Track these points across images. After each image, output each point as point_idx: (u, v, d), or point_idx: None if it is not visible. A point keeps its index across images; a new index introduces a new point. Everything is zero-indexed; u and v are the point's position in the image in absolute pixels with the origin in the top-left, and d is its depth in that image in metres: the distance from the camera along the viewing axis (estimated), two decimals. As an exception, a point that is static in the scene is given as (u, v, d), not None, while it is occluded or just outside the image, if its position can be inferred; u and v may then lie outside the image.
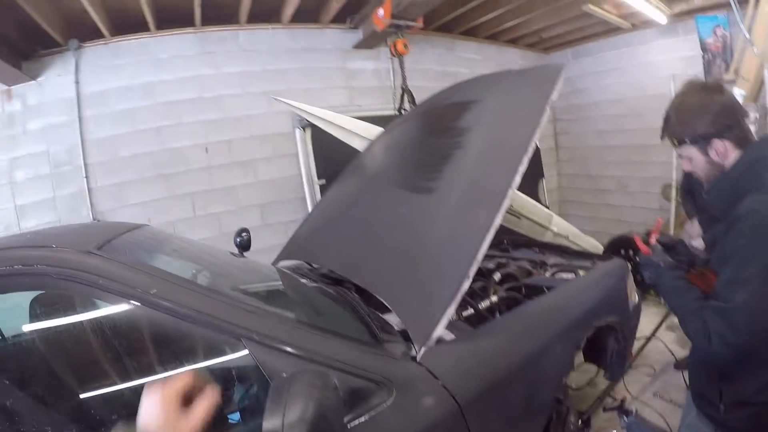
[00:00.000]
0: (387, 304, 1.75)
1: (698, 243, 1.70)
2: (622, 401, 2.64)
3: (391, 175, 2.36)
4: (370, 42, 4.94)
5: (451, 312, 1.53)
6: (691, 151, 1.36)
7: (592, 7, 5.18)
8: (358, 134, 3.56)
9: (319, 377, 1.02)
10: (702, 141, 1.33)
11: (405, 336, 1.63)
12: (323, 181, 4.72)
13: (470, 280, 1.56)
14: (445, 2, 4.31)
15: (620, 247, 5.22)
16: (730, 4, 4.62)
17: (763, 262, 1.16)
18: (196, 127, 4.34)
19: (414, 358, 1.51)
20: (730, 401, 1.34)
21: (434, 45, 5.75)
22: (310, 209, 4.61)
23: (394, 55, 4.71)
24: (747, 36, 4.32)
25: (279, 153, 4.69)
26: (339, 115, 3.73)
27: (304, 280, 2.29)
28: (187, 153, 4.32)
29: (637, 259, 1.58)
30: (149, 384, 0.84)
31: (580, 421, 2.36)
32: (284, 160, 4.72)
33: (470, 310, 2.17)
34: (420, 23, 4.55)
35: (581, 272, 2.69)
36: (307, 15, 4.61)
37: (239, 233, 2.53)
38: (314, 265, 2.62)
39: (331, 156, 3.64)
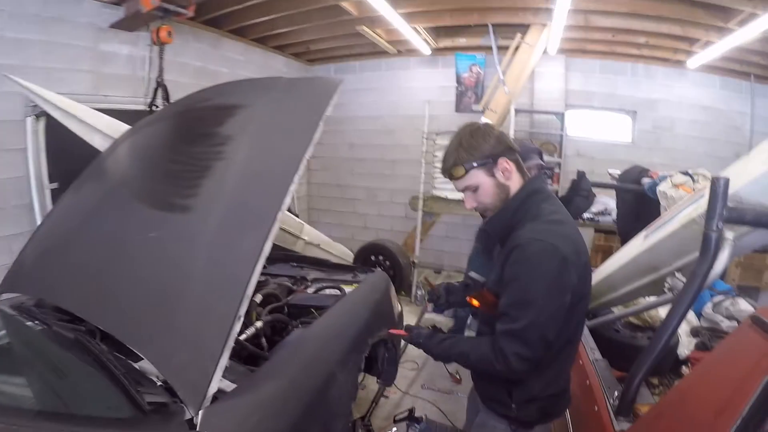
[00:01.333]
0: (147, 359, 1.37)
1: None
2: (411, 411, 2.70)
3: (137, 187, 1.86)
4: (130, 23, 4.17)
5: (224, 361, 1.26)
6: (479, 175, 1.45)
7: (365, 29, 5.45)
8: (101, 131, 2.91)
9: None
10: (489, 161, 1.43)
11: (172, 391, 1.28)
12: (56, 185, 3.80)
13: (242, 319, 1.32)
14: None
15: (370, 253, 5.64)
16: (489, 48, 5.52)
17: (544, 283, 1.30)
18: None
19: (190, 423, 1.19)
20: (521, 399, 1.49)
21: (199, 39, 5.25)
22: (38, 221, 3.64)
23: (155, 43, 4.17)
24: (501, 77, 5.24)
25: (5, 146, 3.58)
26: (80, 106, 3.03)
27: (33, 324, 1.69)
28: None
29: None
30: None
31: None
32: (11, 156, 3.63)
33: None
34: (191, 12, 4.11)
35: (345, 287, 2.67)
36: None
37: None
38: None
39: (70, 155, 2.85)
